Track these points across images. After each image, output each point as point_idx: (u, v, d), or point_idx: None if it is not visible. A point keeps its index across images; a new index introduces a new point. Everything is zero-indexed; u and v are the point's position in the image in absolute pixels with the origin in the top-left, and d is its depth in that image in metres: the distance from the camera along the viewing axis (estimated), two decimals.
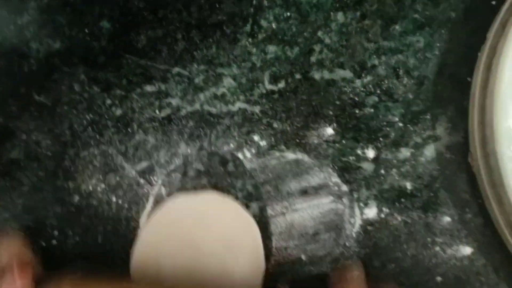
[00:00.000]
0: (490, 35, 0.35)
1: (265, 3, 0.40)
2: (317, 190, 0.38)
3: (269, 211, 0.39)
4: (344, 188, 0.38)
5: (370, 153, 0.37)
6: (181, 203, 0.38)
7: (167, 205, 0.39)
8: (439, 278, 0.36)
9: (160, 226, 0.38)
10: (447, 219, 0.36)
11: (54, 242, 0.41)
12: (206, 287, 0.36)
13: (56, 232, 0.41)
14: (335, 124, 0.38)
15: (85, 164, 0.41)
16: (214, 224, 0.37)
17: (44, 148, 0.41)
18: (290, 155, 0.39)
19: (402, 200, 0.37)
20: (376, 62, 0.38)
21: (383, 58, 0.38)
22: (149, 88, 0.41)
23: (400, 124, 0.37)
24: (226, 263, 0.36)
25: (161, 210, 0.39)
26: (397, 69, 0.38)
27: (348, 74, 0.38)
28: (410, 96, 0.37)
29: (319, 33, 0.39)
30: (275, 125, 0.39)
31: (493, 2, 0.38)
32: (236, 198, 0.39)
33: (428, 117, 0.37)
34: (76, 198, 0.41)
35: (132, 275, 0.38)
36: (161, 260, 0.37)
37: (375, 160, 0.37)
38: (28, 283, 0.35)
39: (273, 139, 0.39)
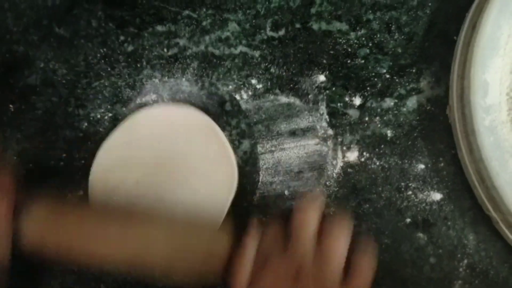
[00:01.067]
0: None
1: None
2: (305, 132, 0.41)
3: (259, 148, 0.42)
4: (330, 132, 0.40)
5: (357, 100, 0.40)
6: (148, 117, 0.40)
7: (131, 118, 0.41)
8: (408, 220, 0.38)
9: (121, 144, 0.40)
10: (421, 166, 0.39)
11: (61, 163, 0.45)
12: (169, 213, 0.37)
13: (64, 155, 0.45)
14: (327, 72, 0.41)
15: (95, 94, 0.45)
16: (184, 141, 0.39)
17: (59, 76, 0.45)
18: (284, 99, 0.42)
19: (382, 146, 0.39)
20: (371, 17, 0.40)
21: (378, 13, 0.40)
22: (160, 28, 0.44)
23: (387, 76, 0.40)
24: (194, 185, 0.38)
25: (123, 123, 0.40)
26: (390, 25, 0.40)
27: (344, 26, 0.41)
28: (399, 50, 0.40)
29: None
30: (272, 70, 0.42)
31: None
32: (230, 135, 0.42)
33: (413, 70, 0.39)
34: (85, 124, 0.45)
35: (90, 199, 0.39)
36: (120, 180, 0.38)
37: (361, 107, 0.40)
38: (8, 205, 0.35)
39: (269, 83, 0.42)
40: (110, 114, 0.45)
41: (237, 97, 0.42)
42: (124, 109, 0.45)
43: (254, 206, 0.41)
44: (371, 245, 0.34)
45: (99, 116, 0.45)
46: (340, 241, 0.33)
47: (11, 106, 0.45)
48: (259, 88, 0.42)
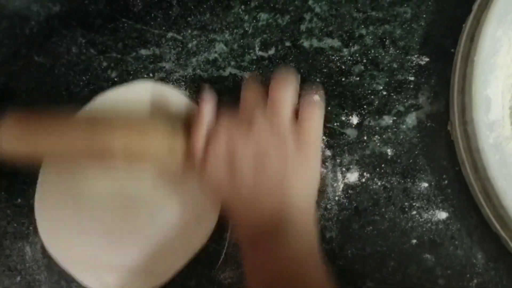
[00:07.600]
0: (475, 7, 0.36)
1: None
2: None
3: None
4: (328, 153, 0.39)
5: (354, 119, 0.39)
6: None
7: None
8: (414, 241, 0.37)
9: None
10: (424, 184, 0.37)
11: None
12: None
13: None
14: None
15: None
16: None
17: (42, 107, 0.43)
18: None
19: (383, 165, 0.38)
20: (363, 32, 0.39)
21: (371, 28, 0.39)
22: (144, 52, 0.42)
23: (384, 93, 0.38)
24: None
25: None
26: (384, 39, 0.39)
27: (336, 43, 0.39)
28: (395, 65, 0.38)
29: (310, 2, 0.40)
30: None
31: None
32: None
33: (411, 86, 0.38)
34: None
35: None
36: None
37: (359, 126, 0.38)
38: None
39: None
40: None
41: None
42: None
43: None
44: (319, 92, 0.36)
45: None
46: (286, 90, 0.36)
47: None
48: None
